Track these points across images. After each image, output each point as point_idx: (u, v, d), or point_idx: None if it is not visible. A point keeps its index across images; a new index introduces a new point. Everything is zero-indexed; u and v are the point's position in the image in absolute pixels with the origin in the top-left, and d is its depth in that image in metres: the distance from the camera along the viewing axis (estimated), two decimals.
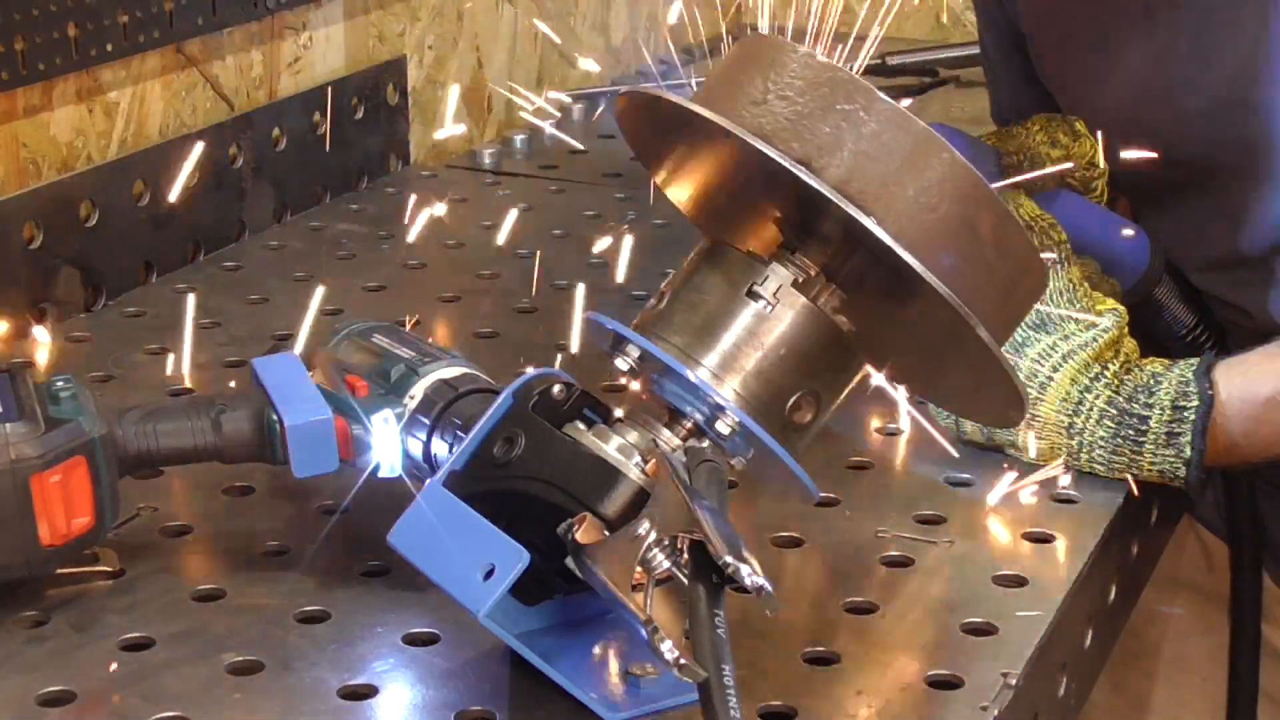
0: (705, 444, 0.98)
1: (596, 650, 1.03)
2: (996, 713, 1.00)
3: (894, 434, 1.34)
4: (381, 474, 1.10)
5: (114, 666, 1.03)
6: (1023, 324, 1.23)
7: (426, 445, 1.08)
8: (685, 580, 0.92)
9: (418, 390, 1.10)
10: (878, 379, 1.03)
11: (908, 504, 1.24)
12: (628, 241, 1.74)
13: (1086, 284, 1.32)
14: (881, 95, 0.91)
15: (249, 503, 1.23)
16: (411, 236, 1.70)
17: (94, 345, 1.50)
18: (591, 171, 1.99)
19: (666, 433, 0.98)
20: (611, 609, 0.98)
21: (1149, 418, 1.25)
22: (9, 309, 1.50)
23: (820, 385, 0.96)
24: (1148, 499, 1.32)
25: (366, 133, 1.94)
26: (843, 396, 0.99)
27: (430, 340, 1.18)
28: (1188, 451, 1.25)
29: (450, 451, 1.05)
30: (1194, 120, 1.41)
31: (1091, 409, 1.26)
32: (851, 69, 0.93)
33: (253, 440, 1.11)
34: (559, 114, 1.96)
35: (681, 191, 1.05)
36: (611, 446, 0.98)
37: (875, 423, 1.35)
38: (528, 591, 1.00)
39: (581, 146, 2.00)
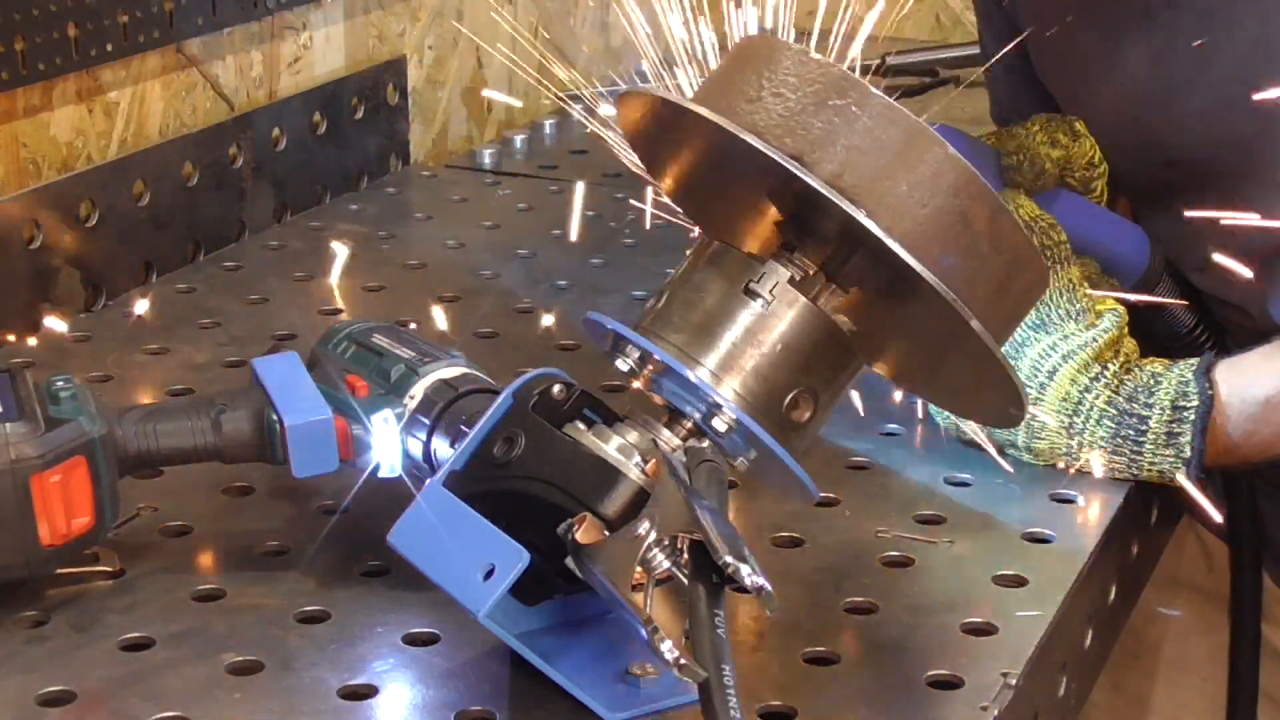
0: (705, 444, 0.98)
1: (596, 650, 1.03)
2: (996, 713, 1.00)
3: (894, 434, 1.34)
4: (381, 474, 1.10)
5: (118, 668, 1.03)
6: (1023, 324, 1.23)
7: (426, 445, 1.08)
8: (685, 580, 0.92)
9: (418, 390, 1.10)
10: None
11: (908, 504, 1.24)
12: (627, 240, 1.75)
13: (1086, 284, 1.32)
14: (875, 90, 0.91)
15: (249, 503, 1.23)
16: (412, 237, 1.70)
17: (94, 345, 1.50)
18: (592, 171, 1.99)
19: (666, 433, 0.98)
20: (611, 609, 0.98)
21: (1149, 418, 1.25)
22: (9, 309, 1.50)
23: (818, 383, 0.96)
24: (1148, 499, 1.32)
25: (366, 133, 1.94)
26: (842, 396, 0.99)
27: (430, 340, 1.18)
28: (1188, 451, 1.25)
29: (450, 451, 1.05)
30: (1194, 120, 1.41)
31: (1091, 409, 1.26)
32: (853, 69, 0.93)
33: (253, 440, 1.11)
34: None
35: (681, 192, 1.05)
36: (611, 446, 0.98)
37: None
38: (528, 591, 1.00)
39: (581, 147, 2.00)
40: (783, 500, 1.21)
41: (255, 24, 1.80)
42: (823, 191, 0.89)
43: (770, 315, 0.95)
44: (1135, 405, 1.26)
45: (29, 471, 1.03)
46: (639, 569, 0.93)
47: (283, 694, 1.01)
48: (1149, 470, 1.26)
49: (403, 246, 1.77)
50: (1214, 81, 1.39)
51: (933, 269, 0.89)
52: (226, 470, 1.19)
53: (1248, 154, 1.39)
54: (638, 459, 0.97)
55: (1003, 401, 0.98)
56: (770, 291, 0.95)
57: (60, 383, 1.09)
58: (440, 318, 1.52)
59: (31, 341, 1.50)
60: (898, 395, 1.35)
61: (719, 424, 0.95)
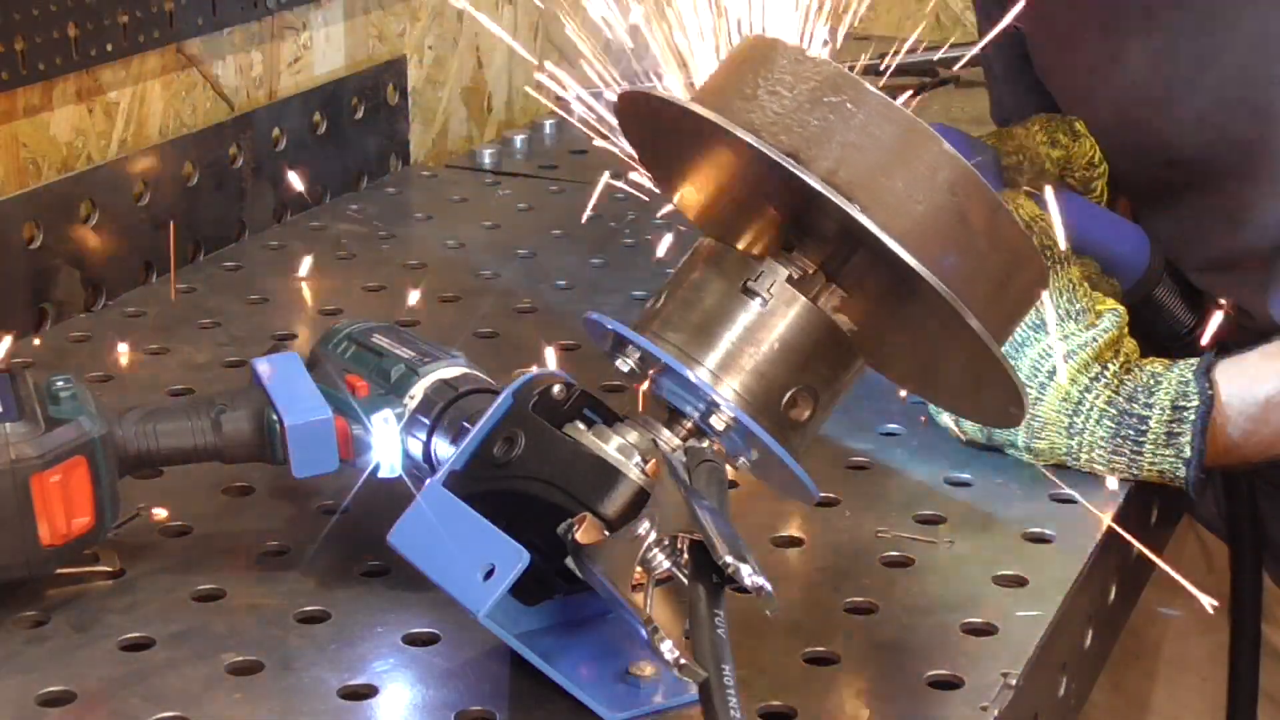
0: (705, 444, 0.98)
1: (596, 650, 1.03)
2: (996, 713, 1.00)
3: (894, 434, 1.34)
4: (381, 474, 1.10)
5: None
6: (1023, 324, 1.23)
7: (426, 445, 1.08)
8: (685, 580, 0.92)
9: (418, 390, 1.10)
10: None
11: (908, 504, 1.24)
12: (627, 240, 1.75)
13: (1086, 284, 1.32)
14: (870, 88, 0.91)
15: (249, 503, 1.23)
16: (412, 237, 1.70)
17: (94, 345, 1.50)
18: (592, 171, 1.99)
19: (666, 433, 0.98)
20: (611, 609, 0.98)
21: (1149, 418, 1.25)
22: (9, 309, 1.50)
23: (817, 382, 0.96)
24: (1148, 499, 1.32)
25: (366, 133, 1.94)
26: (842, 395, 0.99)
27: (430, 340, 1.18)
28: (1188, 451, 1.25)
29: (450, 451, 1.05)
30: (1194, 120, 1.41)
31: (1091, 409, 1.26)
32: (851, 69, 0.93)
33: (253, 440, 1.11)
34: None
35: (681, 192, 1.05)
36: (611, 446, 0.98)
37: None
38: (528, 591, 1.00)
39: (581, 147, 2.00)
40: (783, 500, 1.21)
41: (255, 24, 1.80)
42: (818, 188, 0.89)
43: (768, 314, 0.95)
44: (1135, 405, 1.26)
45: (29, 471, 1.03)
46: (639, 569, 0.93)
47: (283, 694, 1.01)
48: (1149, 470, 1.26)
49: (403, 246, 1.77)
50: (1214, 81, 1.39)
51: (930, 266, 0.89)
52: (226, 470, 1.19)
53: (1248, 154, 1.39)
54: (638, 459, 0.97)
55: (1003, 401, 0.98)
56: (768, 290, 0.95)
57: (60, 383, 1.09)
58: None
59: (32, 341, 1.50)
60: (902, 393, 1.35)
61: (717, 422, 0.95)
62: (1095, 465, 1.27)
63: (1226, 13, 1.38)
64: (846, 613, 1.11)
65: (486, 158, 2.04)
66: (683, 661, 0.88)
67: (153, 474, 1.21)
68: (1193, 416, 1.25)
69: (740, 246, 0.98)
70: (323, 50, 1.90)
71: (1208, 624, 1.65)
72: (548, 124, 2.16)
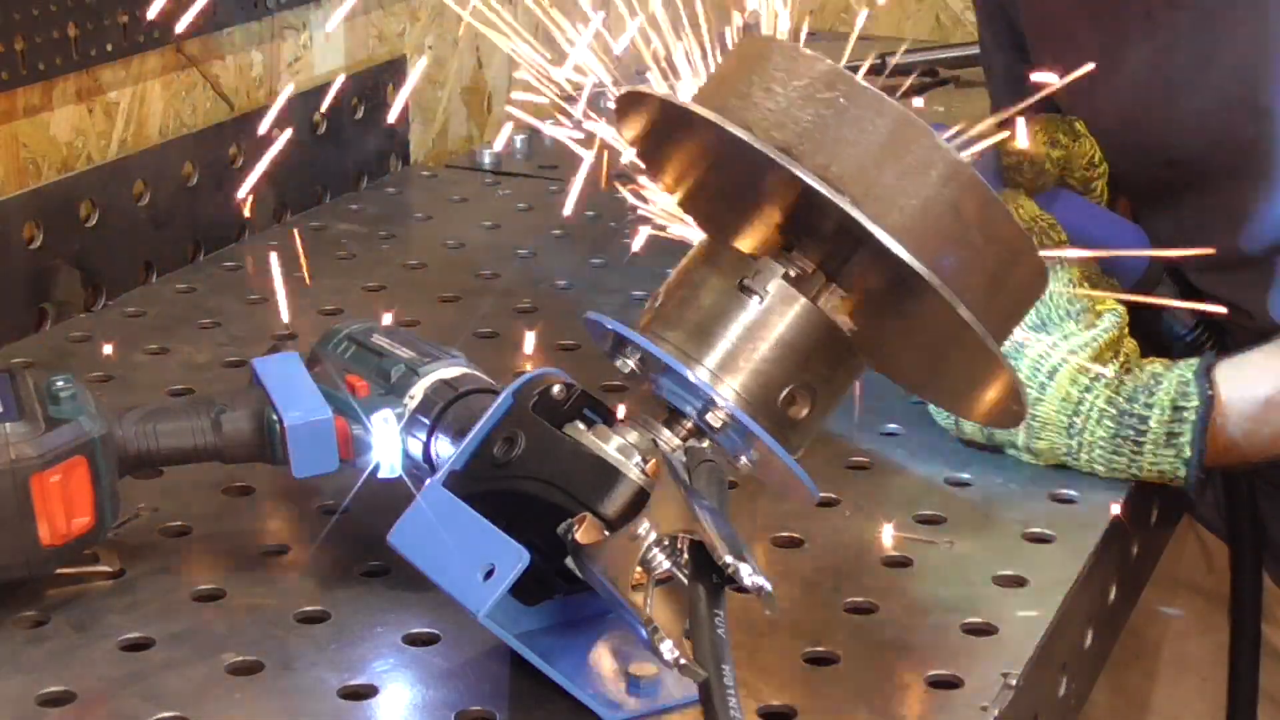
0: (705, 444, 0.98)
1: (596, 650, 1.03)
2: (996, 713, 1.00)
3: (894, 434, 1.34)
4: (381, 474, 1.10)
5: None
6: (1023, 324, 1.23)
7: (426, 445, 1.08)
8: (685, 580, 0.92)
9: (418, 390, 1.10)
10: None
11: (908, 504, 1.24)
12: (627, 240, 1.75)
13: (1086, 284, 1.32)
14: (863, 83, 0.91)
15: (249, 503, 1.23)
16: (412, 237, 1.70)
17: (94, 345, 1.50)
18: (591, 171, 1.98)
19: (666, 433, 0.98)
20: (611, 609, 0.98)
21: (1149, 418, 1.25)
22: (9, 309, 1.50)
23: (815, 380, 0.96)
24: (1148, 499, 1.32)
25: (366, 133, 1.94)
26: (842, 394, 0.99)
27: (430, 340, 1.18)
28: (1188, 451, 1.25)
29: (450, 451, 1.05)
30: (1194, 121, 1.41)
31: (1091, 409, 1.26)
32: (854, 68, 0.93)
33: (253, 440, 1.11)
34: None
35: (682, 193, 1.05)
36: (611, 446, 0.98)
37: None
38: (528, 591, 1.00)
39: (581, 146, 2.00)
40: (783, 500, 1.21)
41: (255, 24, 1.80)
42: (809, 182, 0.89)
43: (765, 311, 0.95)
44: (1135, 405, 1.26)
45: (29, 471, 1.03)
46: (639, 569, 0.93)
47: (283, 694, 1.01)
48: (1149, 470, 1.26)
49: (403, 246, 1.77)
50: (1214, 81, 1.39)
51: (923, 260, 0.89)
52: (226, 470, 1.19)
53: (1248, 154, 1.39)
54: (638, 459, 0.97)
55: (1003, 401, 0.98)
56: (765, 288, 0.95)
57: (60, 383, 1.09)
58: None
59: (32, 342, 1.50)
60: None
61: (714, 420, 0.95)
62: (1095, 465, 1.27)
63: (1226, 13, 1.38)
64: (846, 613, 1.11)
65: (486, 158, 2.04)
66: (683, 661, 0.88)
67: (153, 474, 1.21)
68: (1193, 417, 1.25)
69: (740, 246, 0.98)
70: (323, 50, 1.90)
71: (1208, 624, 1.65)
72: (547, 124, 2.15)
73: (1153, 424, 1.25)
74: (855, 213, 0.88)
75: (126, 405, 1.12)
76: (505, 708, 1.00)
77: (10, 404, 1.05)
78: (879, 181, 0.90)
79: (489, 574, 0.95)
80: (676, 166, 1.03)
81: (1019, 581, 1.15)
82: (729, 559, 0.88)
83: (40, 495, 1.04)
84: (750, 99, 0.92)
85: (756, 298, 0.95)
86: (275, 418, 1.10)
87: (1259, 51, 1.37)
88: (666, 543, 0.93)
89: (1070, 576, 1.15)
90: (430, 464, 1.08)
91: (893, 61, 2.33)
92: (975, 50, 1.80)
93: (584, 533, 0.94)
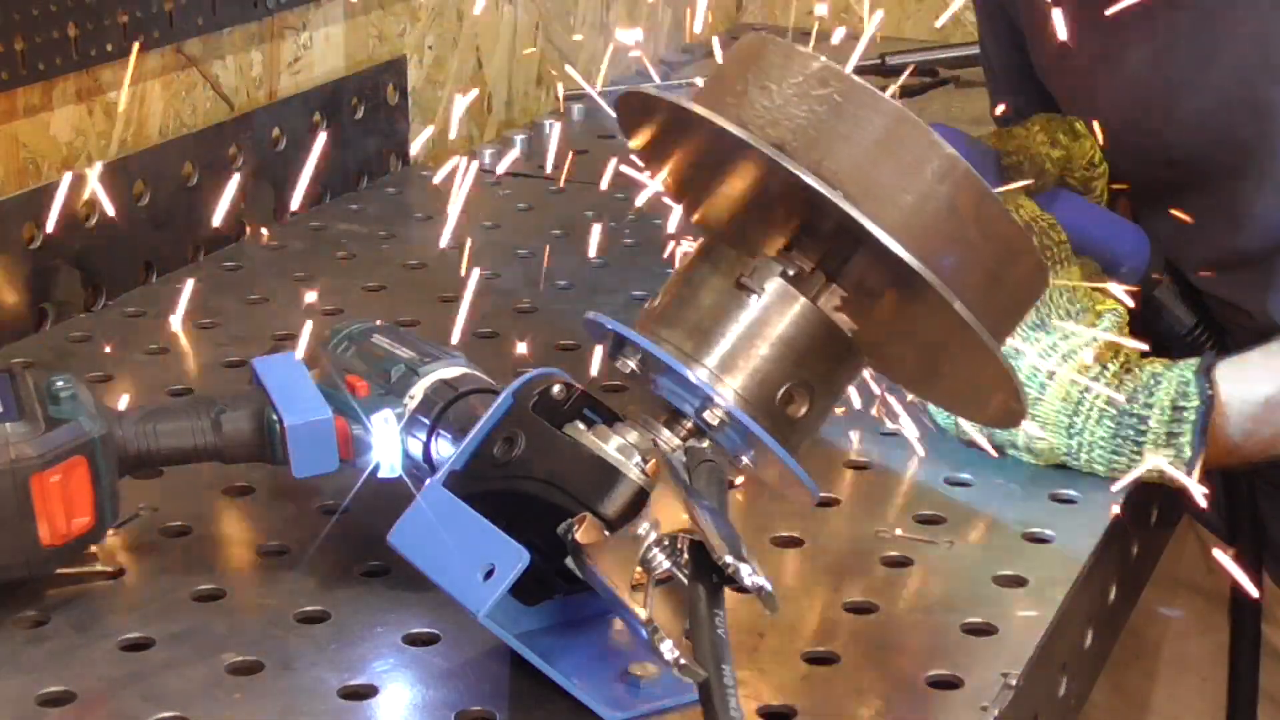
0: (705, 444, 0.98)
1: (596, 650, 1.03)
2: (996, 713, 1.00)
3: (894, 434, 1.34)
4: (381, 474, 1.10)
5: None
6: (1023, 324, 1.23)
7: (426, 445, 1.08)
8: (685, 580, 0.92)
9: (418, 390, 1.10)
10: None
11: (908, 504, 1.24)
12: (627, 240, 1.75)
13: (1086, 284, 1.32)
14: (858, 80, 0.91)
15: (249, 503, 1.23)
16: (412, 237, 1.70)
17: (94, 345, 1.50)
18: (592, 172, 1.99)
19: (666, 433, 0.98)
20: (611, 609, 0.98)
21: (1149, 418, 1.25)
22: (9, 309, 1.50)
23: (813, 378, 0.96)
24: (1148, 499, 1.32)
25: (366, 133, 1.94)
26: (842, 393, 0.99)
27: (430, 340, 1.18)
28: (1187, 451, 1.25)
29: (450, 451, 1.05)
30: (1194, 120, 1.41)
31: (1091, 409, 1.26)
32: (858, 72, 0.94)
33: (253, 440, 1.11)
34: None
35: (683, 193, 1.05)
36: (611, 446, 0.98)
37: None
38: (528, 591, 1.00)
39: (582, 147, 2.00)
40: (783, 500, 1.21)
41: (255, 24, 1.80)
42: (803, 178, 0.89)
43: (761, 309, 0.95)
44: (1135, 405, 1.26)
45: (29, 471, 1.03)
46: (639, 569, 0.93)
47: (283, 694, 1.01)
48: (1149, 470, 1.26)
49: (402, 246, 1.77)
50: (1214, 81, 1.39)
51: (919, 255, 0.89)
52: (226, 470, 1.19)
53: (1248, 154, 1.39)
54: (638, 459, 0.97)
55: (1003, 401, 0.98)
56: (762, 285, 0.95)
57: (60, 383, 1.09)
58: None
59: (32, 342, 1.50)
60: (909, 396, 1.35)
61: (711, 417, 0.95)
62: (1095, 465, 1.27)
63: (1226, 12, 1.38)
64: (846, 613, 1.11)
65: (486, 158, 2.04)
66: (683, 661, 0.88)
67: (153, 474, 1.21)
68: (1193, 417, 1.24)
69: (739, 246, 0.98)
70: (323, 50, 1.90)
71: (1208, 624, 1.65)
72: (548, 124, 2.16)
73: (1153, 424, 1.25)
74: (849, 208, 0.88)
75: (126, 405, 1.12)
76: (505, 708, 1.00)
77: (10, 404, 1.05)
78: (874, 177, 0.90)
79: (489, 574, 0.95)
80: (677, 166, 1.03)
81: (1019, 581, 1.15)
82: (729, 559, 0.88)
83: (40, 495, 1.04)
84: (746, 97, 0.92)
85: (754, 295, 0.95)
86: (275, 418, 1.10)
87: (1259, 51, 1.37)
88: (666, 543, 0.93)
89: (1070, 576, 1.15)
90: (430, 464, 1.08)
91: (905, 64, 2.33)
92: (975, 50, 1.80)
93: (584, 533, 0.94)
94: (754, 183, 0.95)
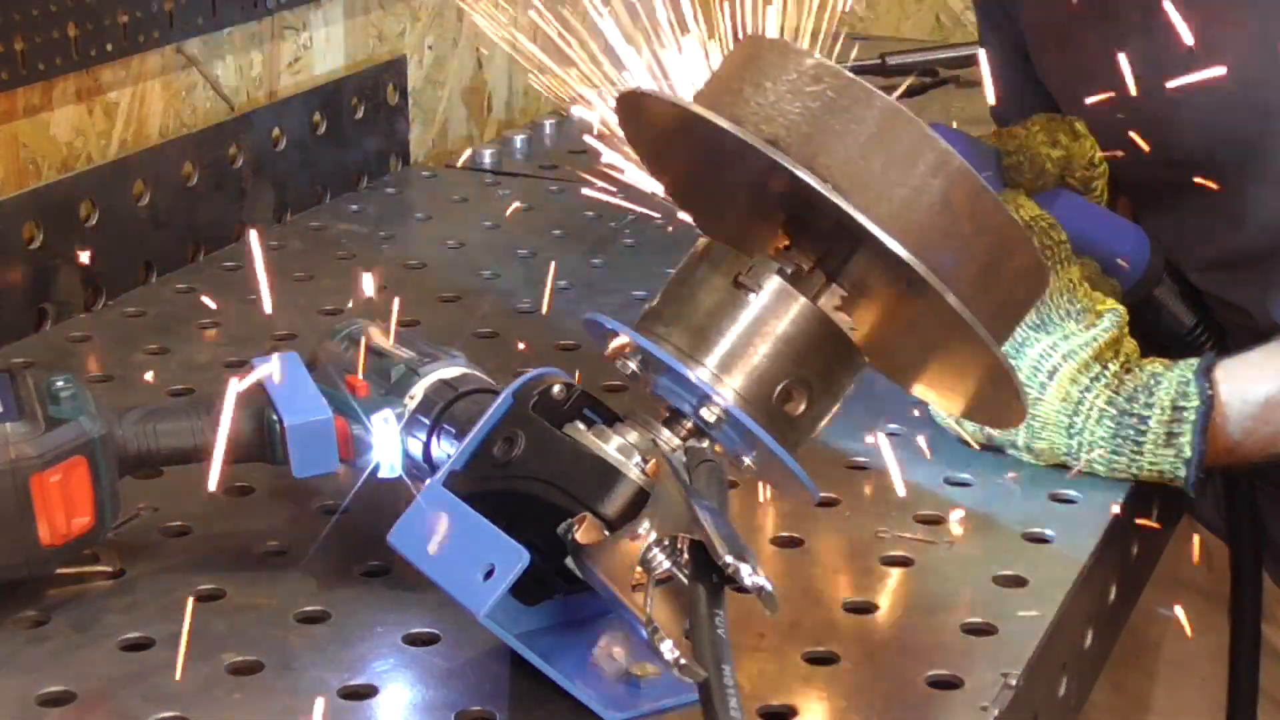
0: (705, 444, 0.98)
1: (596, 650, 1.03)
2: (996, 713, 1.00)
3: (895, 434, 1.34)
4: (381, 474, 1.10)
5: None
6: (1022, 324, 1.23)
7: (426, 445, 1.08)
8: (685, 580, 0.92)
9: (418, 390, 1.10)
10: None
11: (908, 504, 1.24)
12: (627, 240, 1.75)
13: (1086, 284, 1.32)
14: (852, 76, 0.91)
15: (249, 503, 1.23)
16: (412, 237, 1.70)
17: (94, 345, 1.50)
18: (591, 172, 1.99)
19: (666, 433, 0.98)
20: (611, 609, 0.98)
21: (1149, 418, 1.25)
22: (9, 309, 1.50)
23: (811, 376, 0.96)
24: (1148, 499, 1.32)
25: (366, 133, 1.94)
26: (841, 392, 0.99)
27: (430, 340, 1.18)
28: (1188, 451, 1.25)
29: (450, 451, 1.05)
30: (1194, 120, 1.41)
31: (1091, 409, 1.26)
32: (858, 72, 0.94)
33: (253, 440, 1.11)
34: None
35: (682, 193, 1.05)
36: (611, 446, 0.98)
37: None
38: (528, 591, 1.00)
39: (582, 147, 2.00)
40: (783, 500, 1.21)
41: (255, 24, 1.80)
42: (796, 173, 0.89)
43: (759, 307, 0.95)
44: (1135, 405, 1.26)
45: (29, 471, 1.03)
46: (639, 569, 0.93)
47: (283, 694, 1.01)
48: (1149, 470, 1.26)
49: (402, 246, 1.77)
50: (1214, 81, 1.39)
51: (913, 250, 0.89)
52: (226, 470, 1.19)
53: (1248, 154, 1.39)
54: (638, 459, 0.97)
55: (1003, 404, 0.98)
56: (759, 283, 0.95)
57: (60, 383, 1.09)
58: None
59: (32, 342, 1.50)
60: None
61: (708, 415, 0.95)
62: (1095, 465, 1.27)
63: (1226, 12, 1.38)
64: (846, 613, 1.11)
65: (486, 158, 2.04)
66: (683, 661, 0.88)
67: (153, 474, 1.21)
68: (1193, 416, 1.24)
69: (738, 245, 0.98)
70: (323, 50, 1.90)
71: (1208, 624, 1.65)
72: (548, 124, 2.16)
73: (1153, 424, 1.25)
74: (840, 201, 0.89)
75: (126, 405, 1.12)
76: (505, 708, 1.00)
77: (10, 404, 1.05)
78: (867, 172, 0.90)
79: (489, 574, 0.95)
80: (676, 166, 1.03)
81: (1019, 581, 1.15)
82: (729, 559, 0.88)
83: (40, 495, 1.04)
84: (742, 95, 0.93)
85: (751, 294, 0.95)
86: (275, 418, 1.10)
87: (1259, 51, 1.37)
88: (666, 543, 0.93)
89: (1070, 576, 1.15)
90: (430, 464, 1.08)
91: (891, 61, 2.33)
92: (975, 50, 1.80)
93: (584, 533, 0.94)
94: (750, 181, 0.95)
